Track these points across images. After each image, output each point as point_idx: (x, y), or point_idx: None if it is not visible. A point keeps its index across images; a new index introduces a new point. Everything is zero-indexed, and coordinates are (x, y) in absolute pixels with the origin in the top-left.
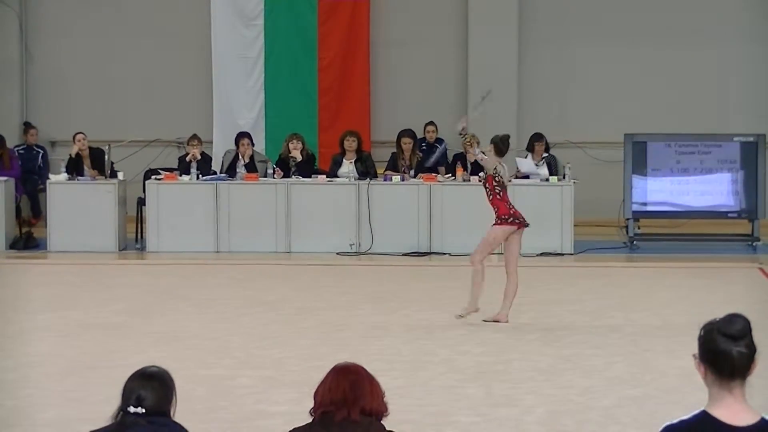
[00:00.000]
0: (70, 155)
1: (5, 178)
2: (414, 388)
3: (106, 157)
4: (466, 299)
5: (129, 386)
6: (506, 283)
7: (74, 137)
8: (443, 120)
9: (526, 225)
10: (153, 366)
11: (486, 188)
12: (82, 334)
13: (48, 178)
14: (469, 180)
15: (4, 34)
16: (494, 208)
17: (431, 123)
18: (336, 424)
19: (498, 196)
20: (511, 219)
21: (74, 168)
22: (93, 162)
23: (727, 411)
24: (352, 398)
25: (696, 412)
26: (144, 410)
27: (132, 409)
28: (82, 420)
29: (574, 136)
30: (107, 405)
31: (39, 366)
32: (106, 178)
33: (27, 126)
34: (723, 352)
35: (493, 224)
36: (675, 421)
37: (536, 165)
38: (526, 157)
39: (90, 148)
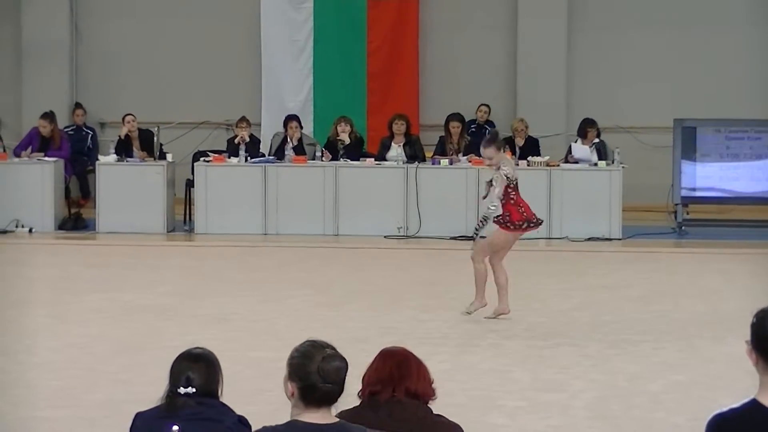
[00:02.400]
0: (119, 137)
1: (54, 158)
2: (460, 372)
3: (155, 138)
4: (510, 284)
5: (177, 367)
6: (495, 275)
7: (123, 119)
8: (492, 103)
9: (540, 222)
10: (198, 347)
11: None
12: (130, 316)
13: (97, 159)
14: (518, 164)
15: (54, 14)
16: (506, 213)
17: (485, 104)
18: (383, 406)
19: (512, 201)
20: (525, 224)
21: (123, 149)
22: (142, 143)
23: None
24: (398, 377)
25: (746, 400)
26: (194, 390)
27: (182, 390)
28: (130, 401)
29: (623, 121)
30: (156, 387)
31: (87, 347)
32: (154, 159)
33: (76, 107)
34: None
35: (501, 227)
36: (725, 409)
37: (590, 151)
38: (576, 141)
39: (139, 129)
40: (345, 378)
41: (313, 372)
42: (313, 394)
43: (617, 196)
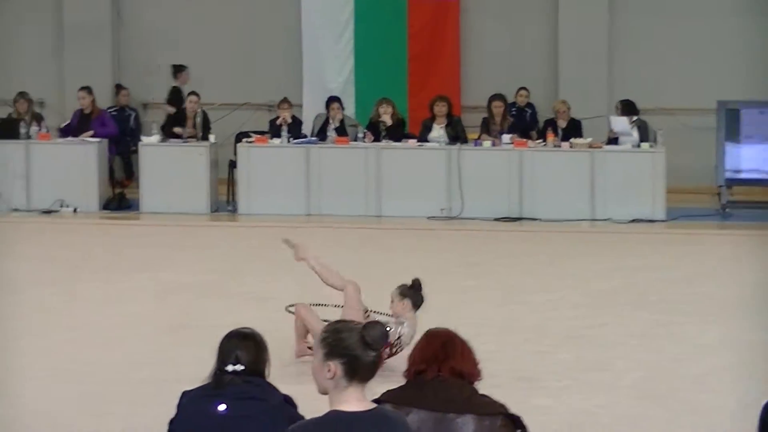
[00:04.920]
0: (169, 114)
1: (99, 139)
2: (504, 353)
3: (199, 119)
4: (553, 265)
5: (226, 346)
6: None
7: (188, 95)
8: (533, 84)
9: None
10: (247, 327)
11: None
12: (174, 295)
13: (140, 139)
14: (560, 145)
15: None
16: None
17: (524, 88)
18: (428, 385)
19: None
20: None
21: (173, 125)
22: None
23: None
24: (443, 356)
25: None
26: (243, 367)
27: (230, 368)
28: (176, 380)
29: (665, 102)
30: (201, 365)
31: (132, 326)
32: (197, 140)
33: (119, 87)
34: None
35: None
36: None
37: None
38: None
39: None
40: None
41: (355, 342)
42: (357, 366)
43: (661, 178)
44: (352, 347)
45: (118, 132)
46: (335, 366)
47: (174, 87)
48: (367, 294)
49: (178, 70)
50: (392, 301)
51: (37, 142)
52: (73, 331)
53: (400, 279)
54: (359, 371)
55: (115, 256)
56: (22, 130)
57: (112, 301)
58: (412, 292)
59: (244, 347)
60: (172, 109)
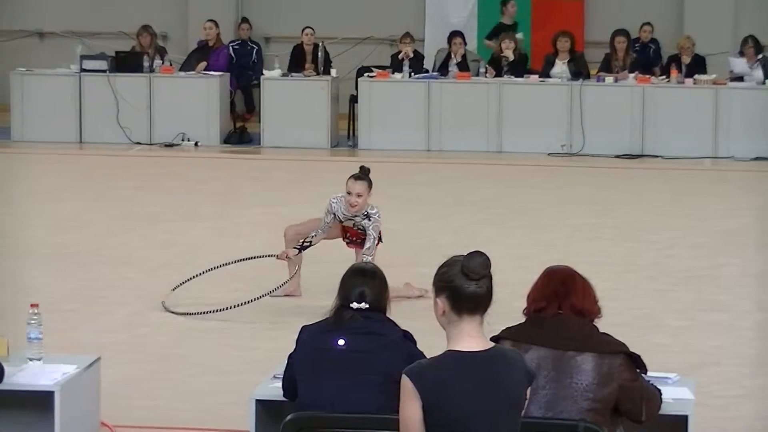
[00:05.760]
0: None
1: (220, 73)
2: (622, 291)
3: (320, 54)
4: (674, 203)
5: (349, 282)
6: None
7: (303, 31)
8: (658, 20)
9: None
10: (368, 263)
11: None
12: None
13: (262, 73)
14: (683, 82)
15: None
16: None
17: (648, 23)
18: (548, 323)
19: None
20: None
21: (296, 62)
22: (313, 58)
23: None
24: (563, 294)
25: None
26: (367, 305)
27: (355, 305)
28: (297, 313)
29: None
30: (323, 299)
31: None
32: (318, 74)
33: (242, 21)
34: None
35: None
36: None
37: (750, 67)
38: (738, 57)
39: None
40: (491, 276)
41: (457, 274)
42: (460, 298)
43: None
44: (452, 279)
45: (226, 65)
46: (442, 302)
47: (500, 23)
48: (486, 229)
49: (504, 2)
50: (359, 195)
51: (160, 76)
52: (191, 264)
53: (520, 214)
54: (463, 302)
55: (235, 189)
56: (145, 64)
57: (230, 235)
58: (365, 173)
59: (369, 285)
60: (493, 44)
